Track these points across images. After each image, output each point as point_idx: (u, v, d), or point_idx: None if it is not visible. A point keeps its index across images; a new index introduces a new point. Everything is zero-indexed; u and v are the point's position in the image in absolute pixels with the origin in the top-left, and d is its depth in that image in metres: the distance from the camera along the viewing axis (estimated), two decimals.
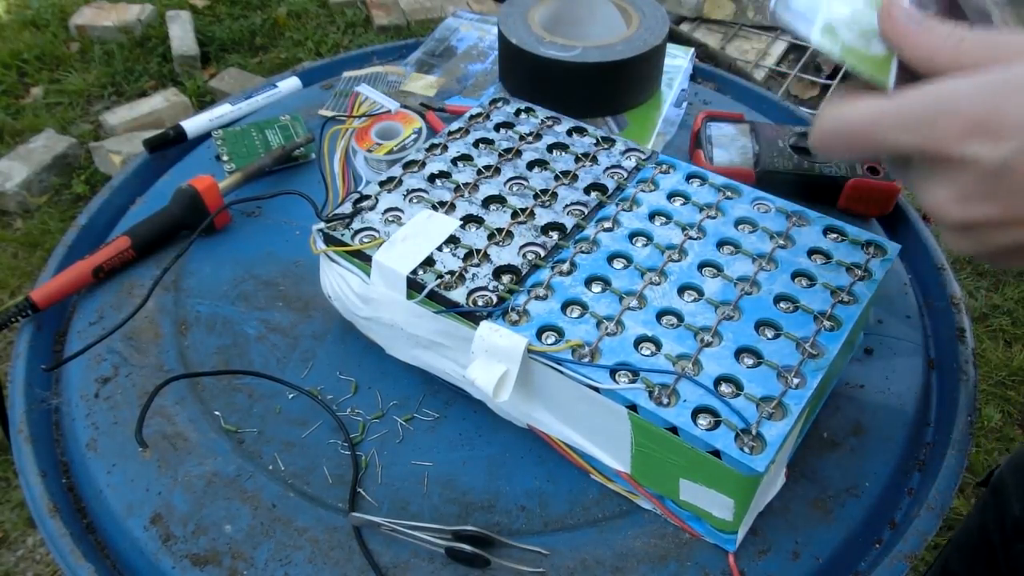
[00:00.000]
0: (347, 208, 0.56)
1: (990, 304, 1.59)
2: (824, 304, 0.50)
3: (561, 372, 0.47)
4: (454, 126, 0.64)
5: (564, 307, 0.50)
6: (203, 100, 2.06)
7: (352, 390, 0.57)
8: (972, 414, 0.55)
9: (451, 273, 0.51)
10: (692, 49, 0.89)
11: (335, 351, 0.60)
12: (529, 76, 0.66)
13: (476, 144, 0.62)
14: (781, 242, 0.54)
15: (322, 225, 0.55)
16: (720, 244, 0.54)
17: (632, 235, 0.55)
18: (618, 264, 0.53)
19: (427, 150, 0.61)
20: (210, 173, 0.69)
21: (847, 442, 0.54)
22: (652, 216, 0.56)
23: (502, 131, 0.64)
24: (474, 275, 0.51)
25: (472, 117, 0.65)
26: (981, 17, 0.41)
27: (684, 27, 2.01)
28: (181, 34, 2.20)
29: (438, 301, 0.51)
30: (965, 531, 0.76)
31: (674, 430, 0.44)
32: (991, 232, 0.37)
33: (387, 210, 0.56)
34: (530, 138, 0.63)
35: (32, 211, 1.79)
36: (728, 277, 0.52)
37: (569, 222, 0.55)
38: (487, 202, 0.57)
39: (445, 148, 0.62)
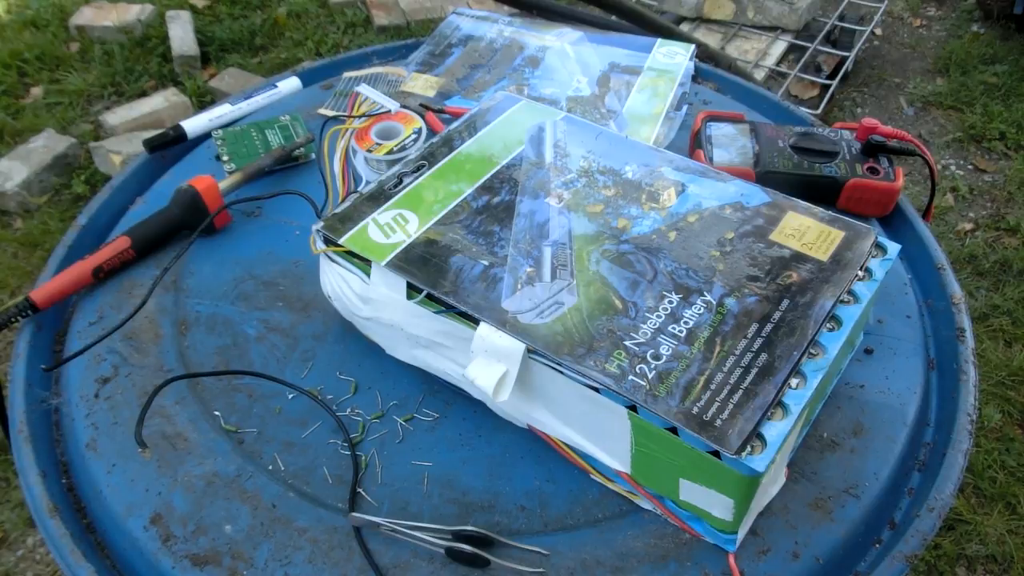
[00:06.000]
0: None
1: (990, 304, 1.59)
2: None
3: (561, 372, 0.47)
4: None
5: None
6: (203, 100, 2.06)
7: (352, 390, 0.57)
8: (972, 414, 0.55)
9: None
10: (692, 45, 0.89)
11: (335, 351, 0.60)
12: None
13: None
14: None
15: (321, 225, 0.55)
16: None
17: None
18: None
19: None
20: (210, 173, 0.69)
21: (847, 442, 0.54)
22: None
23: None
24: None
25: None
26: None
27: (684, 27, 2.01)
28: (181, 34, 2.20)
29: (438, 301, 0.51)
30: None
31: (674, 430, 0.44)
32: None
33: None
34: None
35: (32, 211, 1.79)
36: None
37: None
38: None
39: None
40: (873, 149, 0.71)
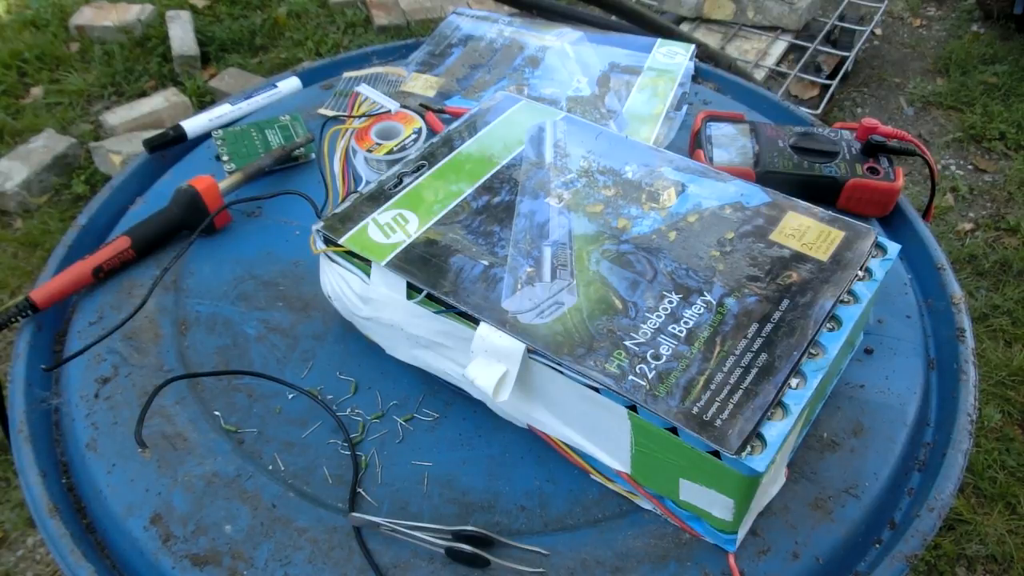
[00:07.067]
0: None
1: (990, 304, 1.59)
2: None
3: (561, 372, 0.47)
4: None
5: None
6: (203, 100, 2.06)
7: (352, 390, 0.57)
8: (972, 414, 0.55)
9: None
10: (692, 45, 0.89)
11: (335, 351, 0.60)
12: None
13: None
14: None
15: (321, 225, 0.55)
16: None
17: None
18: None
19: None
20: (210, 173, 0.69)
21: (847, 442, 0.54)
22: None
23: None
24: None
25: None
26: None
27: (684, 27, 2.01)
28: (181, 34, 2.20)
29: (438, 301, 0.51)
30: None
31: (674, 430, 0.44)
32: None
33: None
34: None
35: (32, 211, 1.79)
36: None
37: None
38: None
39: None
40: (873, 149, 0.71)
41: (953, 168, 1.95)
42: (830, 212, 0.56)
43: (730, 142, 0.72)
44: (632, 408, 0.45)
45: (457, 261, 0.52)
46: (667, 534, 0.49)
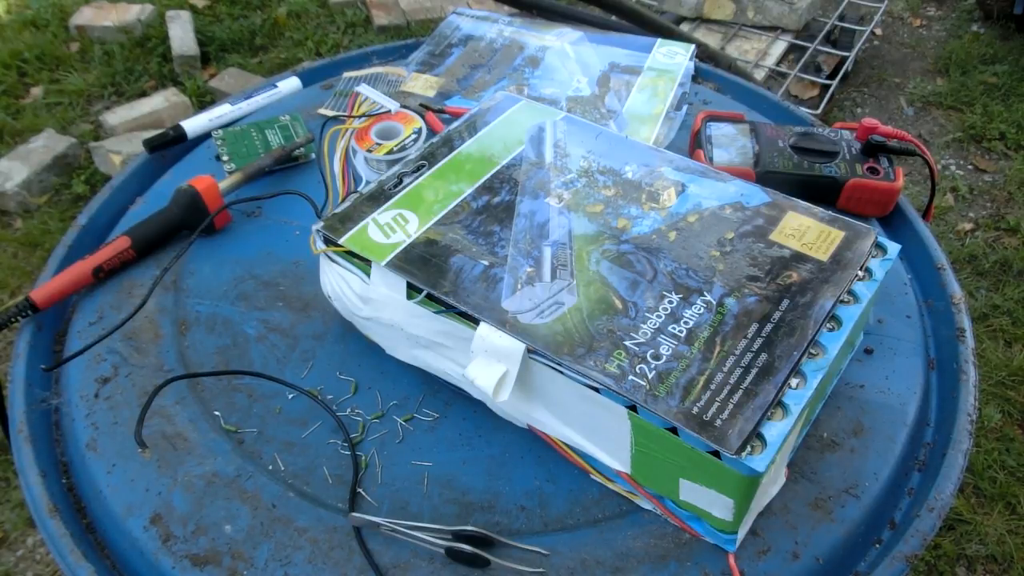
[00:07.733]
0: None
1: (990, 304, 1.59)
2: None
3: (561, 372, 0.47)
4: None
5: None
6: (203, 100, 2.06)
7: (352, 390, 0.57)
8: (972, 414, 0.55)
9: None
10: (692, 45, 0.89)
11: (335, 351, 0.60)
12: None
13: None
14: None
15: (321, 225, 0.55)
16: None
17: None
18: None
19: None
20: (210, 173, 0.69)
21: (847, 442, 0.54)
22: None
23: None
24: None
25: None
26: None
27: (684, 27, 2.01)
28: (181, 34, 2.20)
29: (438, 301, 0.51)
30: None
31: (674, 430, 0.44)
32: None
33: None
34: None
35: (32, 211, 1.79)
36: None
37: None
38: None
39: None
40: (873, 149, 0.71)
41: (953, 168, 1.94)
42: (830, 212, 0.56)
43: (730, 142, 0.72)
44: (632, 408, 0.45)
45: (457, 261, 0.52)
46: (667, 534, 0.49)
